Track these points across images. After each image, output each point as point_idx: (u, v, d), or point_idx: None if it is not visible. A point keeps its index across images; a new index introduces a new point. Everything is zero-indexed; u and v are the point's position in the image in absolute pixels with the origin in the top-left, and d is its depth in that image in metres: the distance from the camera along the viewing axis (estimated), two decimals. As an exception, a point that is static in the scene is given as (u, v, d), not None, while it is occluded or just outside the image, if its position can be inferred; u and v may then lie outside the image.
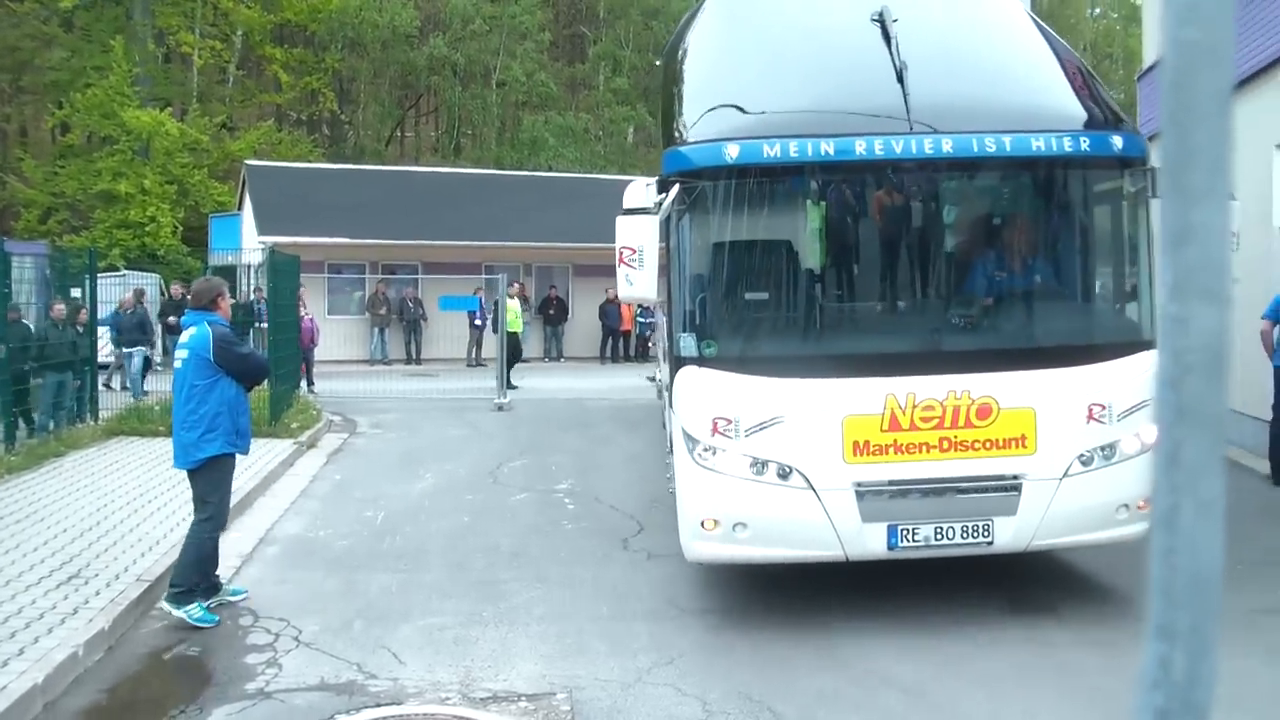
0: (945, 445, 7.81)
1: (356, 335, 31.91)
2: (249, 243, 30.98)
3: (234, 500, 11.07)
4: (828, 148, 8.01)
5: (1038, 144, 8.08)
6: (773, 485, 7.82)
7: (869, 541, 7.86)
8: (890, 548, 7.91)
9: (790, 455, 7.79)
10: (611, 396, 22.67)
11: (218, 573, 8.91)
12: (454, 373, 27.61)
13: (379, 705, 6.87)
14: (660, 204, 8.23)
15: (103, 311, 20.32)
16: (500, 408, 21.35)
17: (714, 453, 7.92)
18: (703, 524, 8.01)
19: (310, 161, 43.53)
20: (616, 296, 31.46)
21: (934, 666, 7.45)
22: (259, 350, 9.44)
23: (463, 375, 26.22)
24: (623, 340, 33.56)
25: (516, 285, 26.35)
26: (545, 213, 33.52)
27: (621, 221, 8.25)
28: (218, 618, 8.45)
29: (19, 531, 10.45)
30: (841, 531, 7.80)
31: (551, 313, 33.07)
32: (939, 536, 7.91)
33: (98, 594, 8.59)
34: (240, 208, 36.26)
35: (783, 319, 8.63)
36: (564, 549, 10.65)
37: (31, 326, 16.78)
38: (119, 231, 38.04)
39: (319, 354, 25.41)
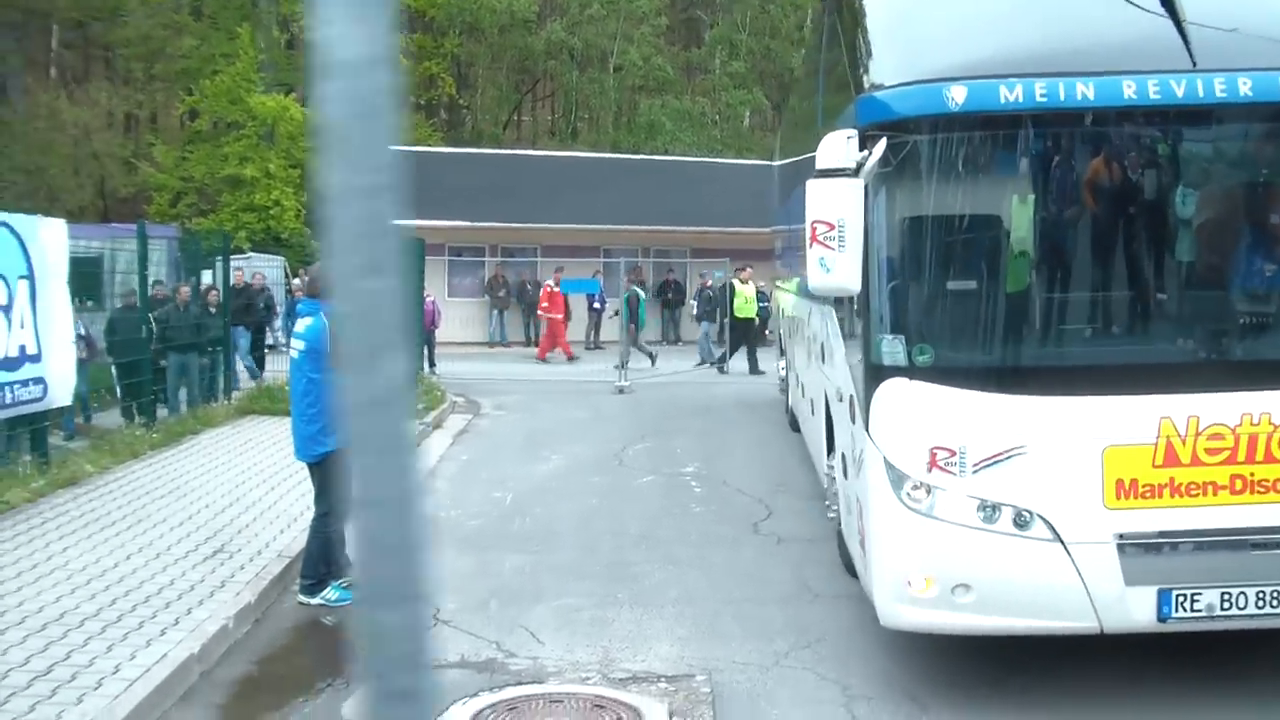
0: (1238, 485, 6.11)
1: (476, 317, 32.24)
2: (371, 226, 31.40)
3: (367, 479, 11.31)
4: (1085, 90, 6.16)
5: None
6: (1007, 536, 6.20)
7: (1133, 610, 6.16)
8: (1161, 619, 6.17)
9: (1032, 497, 6.16)
10: (732, 380, 22.61)
11: (347, 553, 8.98)
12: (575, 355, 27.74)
13: (521, 683, 6.94)
14: (864, 164, 6.37)
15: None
16: (621, 390, 21.42)
17: (929, 492, 6.27)
18: (910, 583, 6.36)
19: (429, 145, 43.97)
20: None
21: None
22: None
23: (583, 358, 26.31)
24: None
25: (741, 269, 26.48)
26: (662, 196, 33.50)
27: (814, 187, 6.45)
28: (354, 594, 8.57)
29: (164, 506, 10.76)
30: (1097, 597, 6.14)
31: (669, 296, 33.05)
32: (1226, 605, 6.14)
33: (242, 568, 8.82)
34: (362, 191, 36.68)
35: (1022, 317, 6.70)
36: (693, 532, 10.66)
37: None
38: (245, 214, 38.76)
39: (439, 336, 25.73)
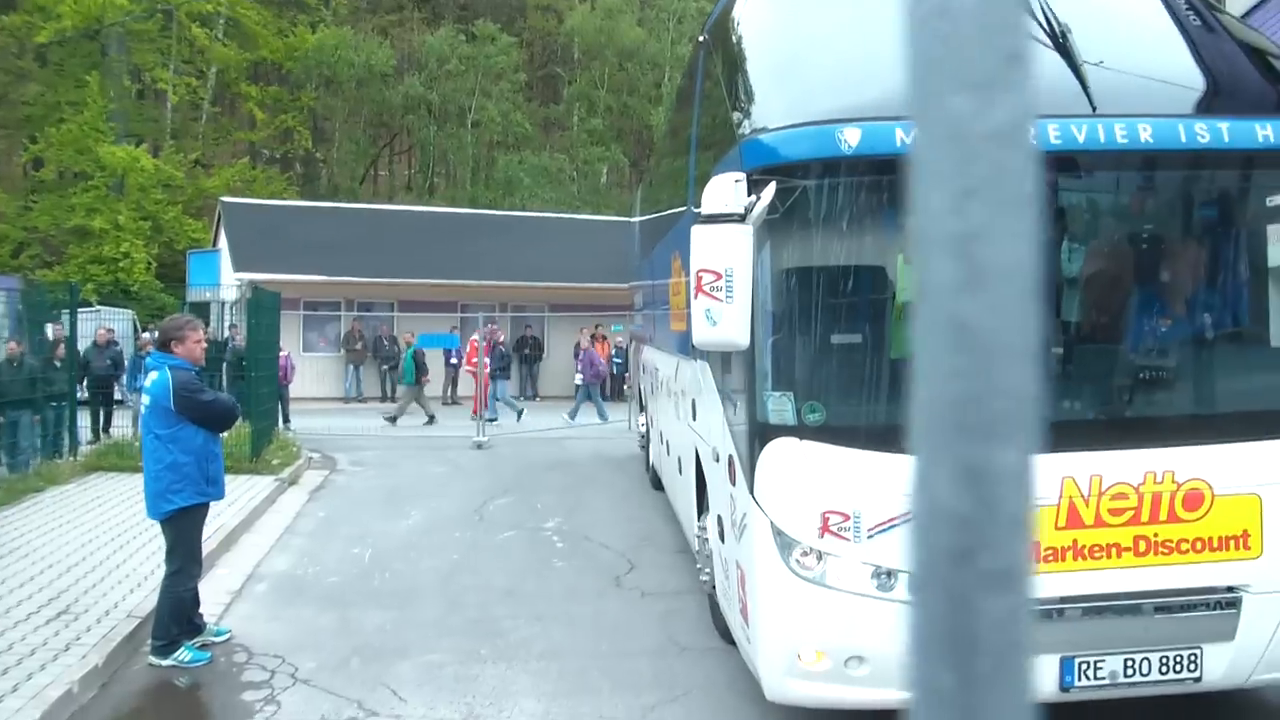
0: (1141, 546, 5.90)
1: (331, 372, 31.77)
2: (226, 279, 30.87)
3: (220, 536, 11.07)
4: None
5: (1264, 133, 6.04)
6: (904, 604, 6.08)
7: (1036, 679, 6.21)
8: (1064, 688, 5.93)
9: None
10: (591, 436, 22.60)
11: (201, 612, 8.75)
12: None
13: (383, 743, 6.79)
14: (752, 208, 5.97)
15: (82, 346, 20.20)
16: (479, 446, 21.26)
17: (820, 559, 5.96)
18: (800, 656, 6.06)
19: (285, 199, 43.42)
20: (594, 335, 31.65)
21: None
22: (222, 395, 9.05)
23: (439, 413, 26.02)
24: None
25: (491, 327, 26.35)
26: (520, 252, 33.49)
27: (700, 233, 6.01)
28: (209, 654, 8.34)
29: (4, 567, 10.31)
30: None
31: (527, 352, 32.98)
32: (1129, 671, 5.97)
33: (89, 630, 8.47)
34: (215, 244, 36.12)
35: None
36: (557, 587, 10.56)
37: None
38: (92, 267, 37.81)
39: (294, 390, 25.31)
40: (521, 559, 11.76)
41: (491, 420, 24.67)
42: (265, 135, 49.31)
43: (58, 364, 17.90)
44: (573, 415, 25.25)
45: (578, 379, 26.56)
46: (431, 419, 25.32)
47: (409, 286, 31.67)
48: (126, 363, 20.69)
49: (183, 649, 8.23)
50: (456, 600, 10.08)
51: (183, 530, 8.29)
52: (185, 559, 8.31)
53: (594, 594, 10.29)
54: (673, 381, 11.46)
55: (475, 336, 26.69)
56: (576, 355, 27.71)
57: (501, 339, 27.82)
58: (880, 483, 5.88)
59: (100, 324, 23.54)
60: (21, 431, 16.31)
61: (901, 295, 6.11)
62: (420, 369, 26.35)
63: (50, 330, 18.67)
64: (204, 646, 8.43)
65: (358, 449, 20.84)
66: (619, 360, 32.11)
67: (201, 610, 8.76)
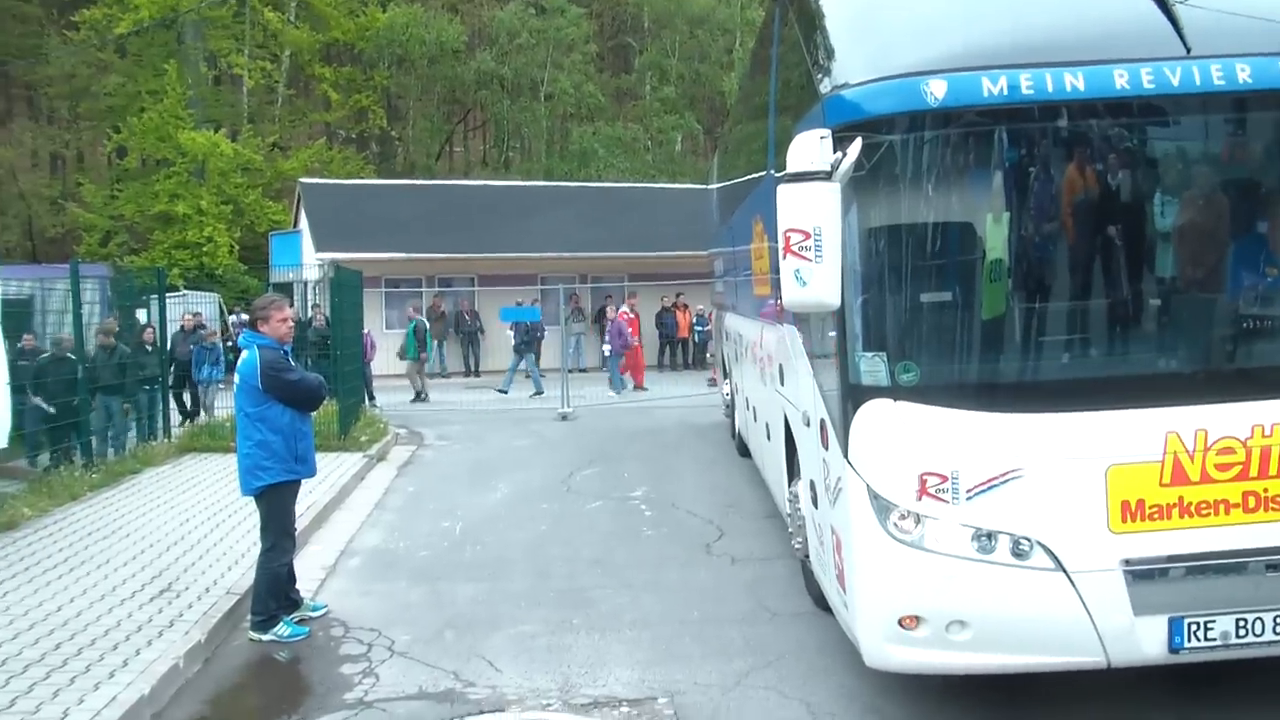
0: (1251, 503, 5.70)
1: (413, 349, 32.04)
2: (307, 259, 31.23)
3: (313, 513, 11.20)
4: (1074, 81, 5.71)
5: None
6: (1005, 567, 5.76)
7: (1143, 642, 5.75)
8: (1173, 649, 5.76)
9: (1031, 524, 5.73)
10: (674, 404, 22.61)
11: (297, 588, 8.89)
12: (514, 383, 27.53)
13: (481, 713, 6.86)
14: (838, 165, 5.78)
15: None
16: (564, 417, 21.35)
17: (919, 522, 5.83)
18: (901, 622, 5.93)
19: (362, 178, 43.81)
20: (674, 303, 31.65)
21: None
22: (309, 375, 8.86)
23: (523, 385, 26.14)
24: (681, 347, 33.48)
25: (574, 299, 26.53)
26: (597, 223, 33.56)
27: (786, 192, 5.81)
28: (307, 629, 8.45)
29: (108, 547, 10.55)
30: (1104, 629, 5.72)
31: (608, 322, 33.01)
32: (1241, 632, 5.74)
33: (190, 607, 8.64)
34: (296, 225, 36.54)
35: (1014, 328, 6.12)
36: (646, 555, 10.60)
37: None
38: (177, 252, 38.44)
39: (376, 368, 25.55)
40: (610, 528, 11.81)
41: (502, 392, 25.19)
42: (340, 116, 49.71)
43: (148, 349, 18.20)
44: (616, 389, 25.38)
45: (605, 349, 26.43)
46: (420, 396, 25.55)
47: (488, 261, 31.84)
48: (193, 351, 20.82)
49: (281, 624, 8.35)
50: (546, 571, 10.15)
51: (274, 507, 8.42)
52: (278, 535, 8.43)
53: (683, 561, 10.30)
54: (758, 347, 11.35)
55: (624, 309, 26.86)
56: (603, 325, 27.64)
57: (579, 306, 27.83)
58: (978, 442, 5.79)
59: (185, 309, 23.92)
60: (114, 417, 16.63)
61: (992, 252, 5.98)
62: (421, 344, 26.47)
63: (140, 316, 19.03)
64: (302, 621, 8.55)
65: (443, 424, 21.03)
66: (700, 329, 32.12)
67: (298, 586, 8.89)
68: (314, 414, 8.97)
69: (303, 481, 8.74)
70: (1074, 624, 5.73)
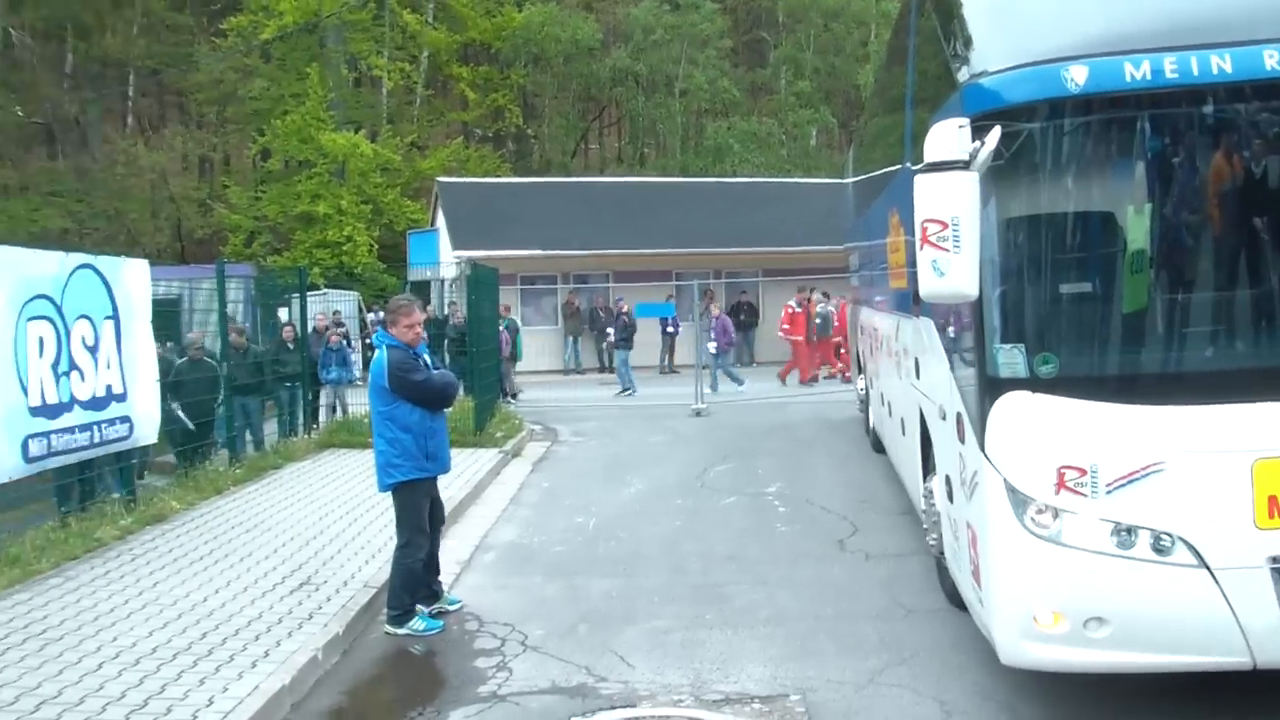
0: None
1: (550, 345, 32.28)
2: (445, 258, 31.66)
3: (448, 508, 11.28)
4: (1221, 63, 5.49)
5: None
6: (1146, 563, 5.59)
7: None
8: None
9: (1173, 519, 5.55)
10: (808, 400, 22.45)
11: (440, 579, 9.03)
12: (647, 379, 27.60)
13: (613, 708, 6.85)
14: (976, 154, 5.66)
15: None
16: (698, 413, 21.33)
17: (1057, 516, 5.69)
18: (1037, 618, 5.80)
19: (498, 176, 44.31)
20: (809, 299, 31.40)
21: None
22: (435, 375, 8.65)
23: (656, 382, 26.23)
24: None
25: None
26: (732, 218, 33.50)
27: (924, 182, 5.71)
28: (442, 623, 8.54)
29: (249, 540, 10.81)
30: (1249, 628, 5.50)
31: (742, 318, 32.90)
32: None
33: (329, 600, 8.79)
34: (434, 224, 37.09)
35: (1156, 318, 5.98)
36: (780, 551, 10.52)
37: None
38: (318, 251, 39.28)
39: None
40: (743, 524, 11.75)
41: (628, 391, 25.01)
42: (477, 115, 50.32)
43: (290, 347, 18.64)
44: (713, 387, 24.90)
45: (711, 347, 25.65)
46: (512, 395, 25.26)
47: (623, 257, 31.96)
48: (320, 353, 21.01)
49: (416, 618, 8.46)
50: (680, 567, 10.13)
51: (406, 503, 8.52)
52: (411, 531, 8.51)
53: (817, 558, 10.21)
54: (893, 341, 11.26)
55: (791, 304, 26.77)
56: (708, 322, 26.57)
57: (625, 309, 27.65)
58: (1118, 435, 5.64)
59: (326, 307, 24.41)
60: (252, 416, 17.04)
61: (1133, 242, 5.81)
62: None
63: (282, 314, 19.45)
64: (438, 615, 8.65)
65: (578, 420, 21.16)
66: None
67: (441, 578, 9.06)
68: (447, 411, 8.98)
69: (439, 477, 8.85)
70: (1217, 623, 5.53)
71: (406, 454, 8.36)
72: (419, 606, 8.57)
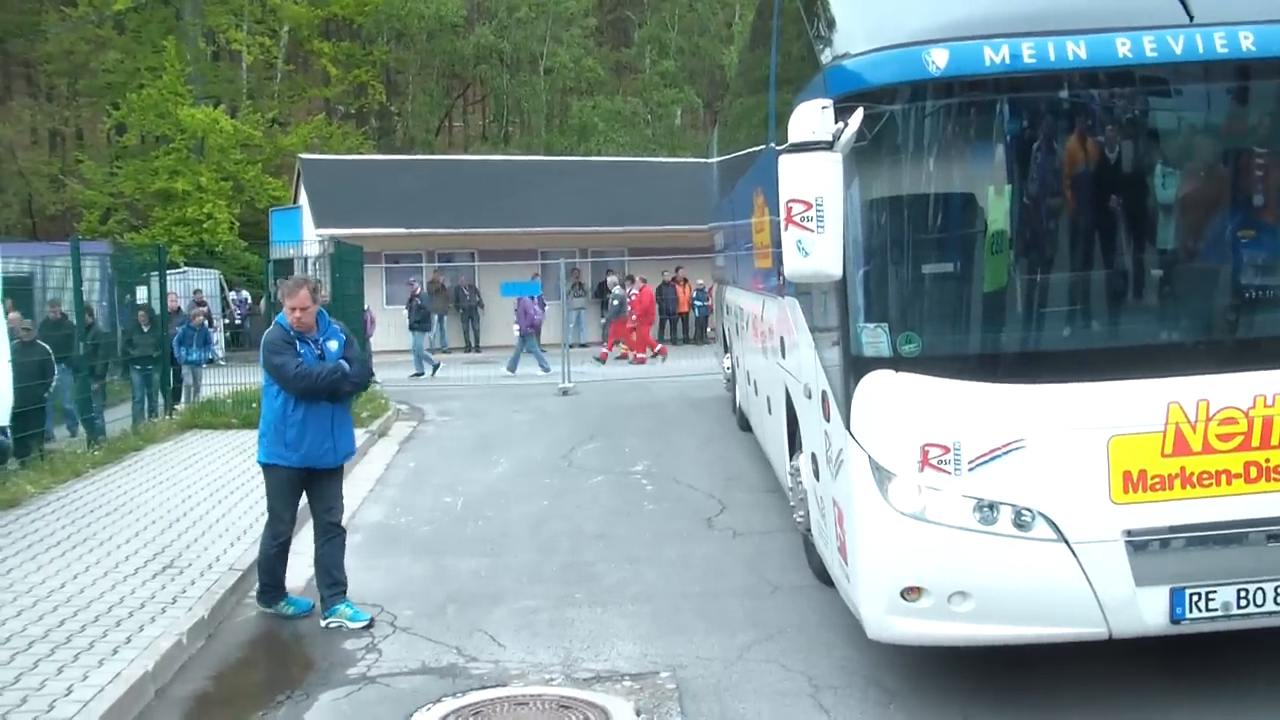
0: (1253, 473, 5.67)
1: (414, 324, 31.99)
2: (308, 235, 31.18)
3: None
4: (1077, 49, 5.65)
5: None
6: (1007, 538, 5.73)
7: (1144, 612, 5.73)
8: (1175, 620, 5.74)
9: (1033, 495, 5.70)
10: (674, 378, 22.61)
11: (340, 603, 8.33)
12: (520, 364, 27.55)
13: (484, 687, 6.85)
14: (839, 135, 5.74)
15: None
16: (565, 392, 21.36)
17: (921, 493, 5.81)
18: (903, 593, 5.91)
19: (361, 153, 43.74)
20: (674, 278, 31.64)
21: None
22: (308, 366, 7.94)
23: (523, 361, 26.12)
24: (681, 322, 33.46)
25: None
26: (598, 197, 33.52)
27: (788, 163, 5.78)
28: (309, 603, 8.35)
29: (110, 524, 10.56)
30: (1105, 600, 5.71)
31: (608, 297, 32.95)
32: (1243, 602, 5.73)
33: (193, 583, 8.65)
34: (296, 201, 36.51)
35: (1016, 299, 6.10)
36: (648, 530, 10.61)
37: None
38: (178, 229, 38.31)
39: (376, 344, 25.50)
40: (611, 503, 11.83)
41: (421, 375, 25.10)
42: (339, 91, 49.57)
43: (144, 329, 18.11)
44: (511, 366, 25.06)
45: (515, 329, 25.86)
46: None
47: (488, 236, 31.81)
48: (178, 330, 20.32)
49: (284, 601, 8.35)
50: (548, 546, 10.16)
51: (268, 483, 8.30)
52: (269, 512, 8.31)
53: (685, 536, 10.32)
54: (759, 321, 11.36)
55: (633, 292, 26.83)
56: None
57: (417, 290, 28.02)
58: (980, 413, 5.78)
59: (187, 286, 23.87)
60: (67, 395, 16.19)
61: (994, 223, 5.96)
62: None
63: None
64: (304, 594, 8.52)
65: (444, 399, 21.05)
66: (700, 303, 32.12)
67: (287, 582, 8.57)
68: (332, 405, 8.18)
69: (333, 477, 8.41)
70: (1076, 595, 5.71)
71: (268, 434, 8.13)
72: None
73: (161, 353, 18.40)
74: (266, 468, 8.22)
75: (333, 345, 8.17)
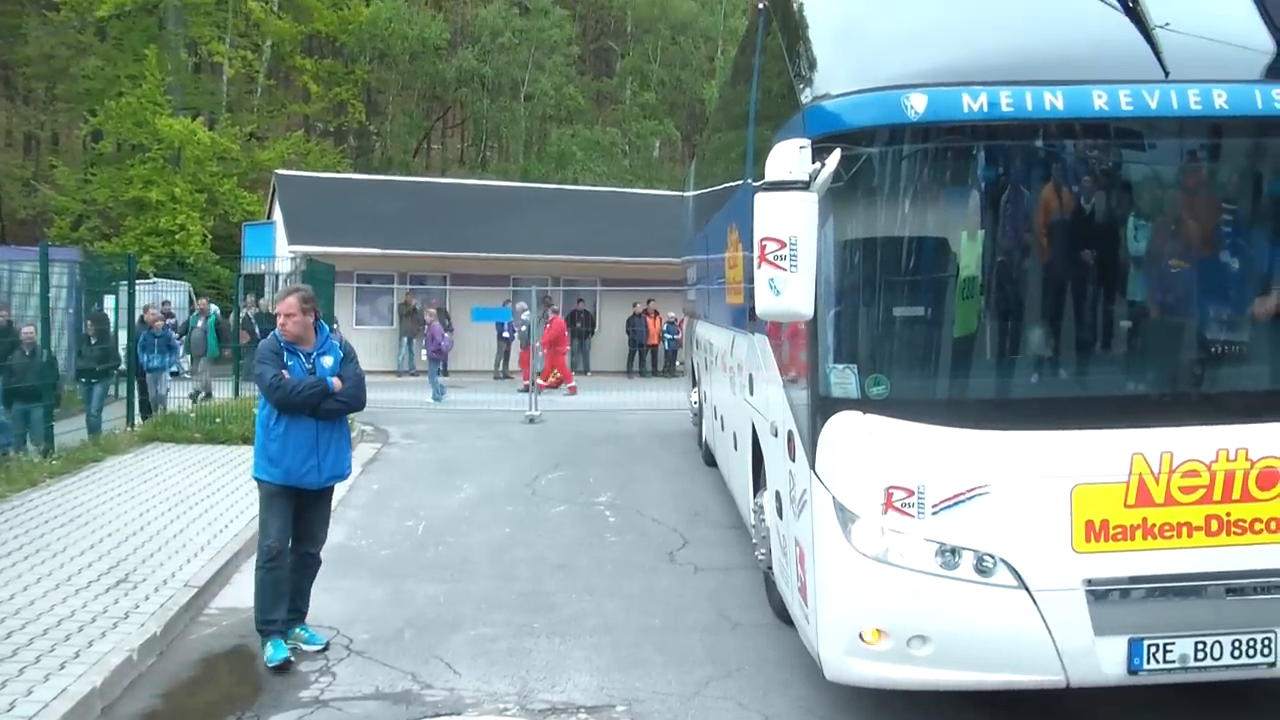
0: (1214, 526, 5.74)
1: (384, 345, 31.84)
2: (280, 251, 31.07)
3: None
4: (1054, 100, 5.73)
5: None
6: (968, 583, 5.76)
7: (1103, 662, 5.78)
8: (1132, 670, 5.80)
9: (996, 541, 5.73)
10: (642, 410, 22.57)
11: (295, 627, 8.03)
12: (481, 385, 27.46)
13: (437, 715, 6.80)
14: (816, 175, 5.79)
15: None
16: (531, 420, 21.29)
17: (884, 535, 5.82)
18: (861, 635, 5.94)
19: (338, 172, 43.67)
20: (645, 310, 31.65)
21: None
22: (291, 381, 7.60)
23: (491, 387, 26.10)
24: (650, 354, 33.45)
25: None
26: (573, 226, 33.50)
27: (764, 200, 5.82)
28: (284, 656, 7.60)
29: (65, 535, 10.43)
30: (1064, 648, 5.75)
31: (579, 326, 32.96)
32: (1200, 655, 5.79)
33: (147, 599, 8.54)
34: (270, 216, 36.37)
35: (985, 346, 6.19)
36: (609, 561, 10.55)
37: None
38: (149, 239, 38.18)
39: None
40: (574, 533, 11.77)
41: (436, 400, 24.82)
42: (319, 108, 49.59)
43: (92, 341, 17.64)
44: (436, 396, 24.93)
45: (423, 354, 25.53)
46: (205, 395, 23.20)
47: (461, 260, 31.72)
48: (140, 337, 19.80)
49: (268, 643, 7.69)
50: (509, 574, 10.09)
51: (260, 499, 7.87)
52: (260, 534, 7.85)
53: (646, 569, 10.27)
54: (729, 356, 11.35)
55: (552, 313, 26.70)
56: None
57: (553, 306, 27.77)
58: (945, 457, 5.80)
59: (156, 297, 23.67)
60: (31, 424, 15.44)
61: (966, 269, 5.99)
62: (223, 340, 23.77)
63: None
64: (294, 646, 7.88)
65: (410, 422, 20.90)
66: (670, 335, 32.13)
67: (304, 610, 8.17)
68: (317, 422, 7.75)
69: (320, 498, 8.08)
70: (1035, 642, 5.75)
71: (257, 447, 7.81)
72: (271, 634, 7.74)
73: (130, 362, 18.20)
74: (256, 482, 7.88)
75: (327, 360, 7.86)
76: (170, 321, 22.89)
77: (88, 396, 17.47)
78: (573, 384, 27.10)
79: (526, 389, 24.11)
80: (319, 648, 7.92)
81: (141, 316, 20.45)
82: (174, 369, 19.95)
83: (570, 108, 52.22)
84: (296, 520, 7.87)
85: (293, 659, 7.61)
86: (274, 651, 7.60)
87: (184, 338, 23.43)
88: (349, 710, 6.87)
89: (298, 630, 7.98)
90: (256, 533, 8.08)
